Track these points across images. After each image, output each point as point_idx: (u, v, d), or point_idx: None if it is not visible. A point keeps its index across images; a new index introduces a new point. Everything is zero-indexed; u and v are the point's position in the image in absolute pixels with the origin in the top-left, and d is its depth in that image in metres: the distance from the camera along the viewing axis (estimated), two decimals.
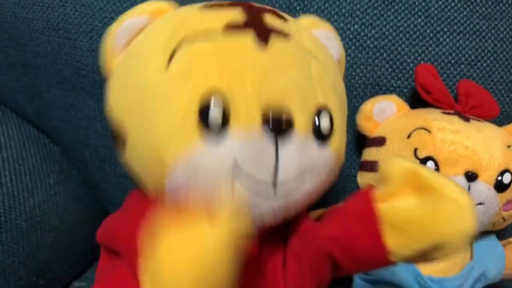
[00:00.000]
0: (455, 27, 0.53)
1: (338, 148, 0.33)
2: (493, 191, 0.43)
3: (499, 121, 0.51)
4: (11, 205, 0.52)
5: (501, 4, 0.53)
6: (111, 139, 0.36)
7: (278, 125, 0.30)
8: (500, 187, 0.43)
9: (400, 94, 0.52)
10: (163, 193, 0.31)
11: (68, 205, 0.58)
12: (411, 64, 0.52)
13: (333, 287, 0.48)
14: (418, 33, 0.53)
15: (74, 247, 0.58)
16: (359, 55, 0.52)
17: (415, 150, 0.44)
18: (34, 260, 0.52)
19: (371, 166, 0.47)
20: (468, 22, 0.53)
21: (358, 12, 0.53)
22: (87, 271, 0.61)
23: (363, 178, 0.48)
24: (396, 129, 0.46)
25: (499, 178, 0.43)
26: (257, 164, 0.29)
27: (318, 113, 0.32)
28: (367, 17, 0.53)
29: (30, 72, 0.58)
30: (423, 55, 0.53)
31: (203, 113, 0.29)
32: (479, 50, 0.53)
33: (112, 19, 0.54)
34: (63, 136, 0.61)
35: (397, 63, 0.52)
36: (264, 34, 0.31)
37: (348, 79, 0.53)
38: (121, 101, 0.33)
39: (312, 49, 0.34)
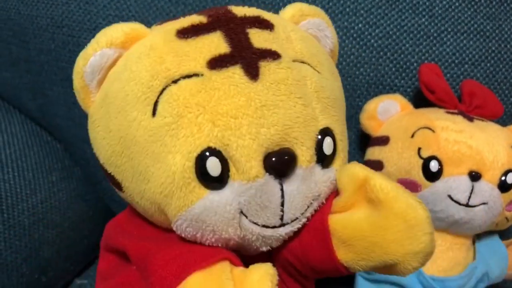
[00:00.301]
0: (459, 27, 0.53)
1: (343, 163, 0.32)
2: (496, 191, 0.43)
3: (503, 121, 0.51)
4: (14, 202, 0.52)
5: (505, 4, 0.53)
6: (105, 175, 0.33)
7: (281, 170, 0.28)
8: (503, 187, 0.43)
9: (404, 94, 0.52)
10: (172, 228, 0.31)
11: (70, 203, 0.58)
12: (415, 64, 0.52)
13: (335, 286, 0.48)
14: (422, 32, 0.53)
15: (76, 244, 0.58)
16: (363, 54, 0.52)
17: (419, 149, 0.44)
18: (37, 257, 0.52)
19: (375, 166, 0.47)
20: (472, 22, 0.53)
21: (362, 11, 0.53)
22: (89, 269, 0.61)
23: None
24: (400, 128, 0.46)
25: (503, 178, 0.43)
26: (263, 206, 0.29)
27: (320, 137, 0.30)
28: (371, 16, 0.53)
29: (34, 69, 0.58)
30: (427, 54, 0.52)
31: (201, 166, 0.28)
32: (483, 50, 0.53)
33: (116, 17, 0.54)
34: (65, 134, 0.61)
35: (401, 63, 0.52)
36: (253, 66, 0.29)
37: (352, 78, 0.53)
38: (107, 153, 0.31)
39: (305, 55, 0.32)
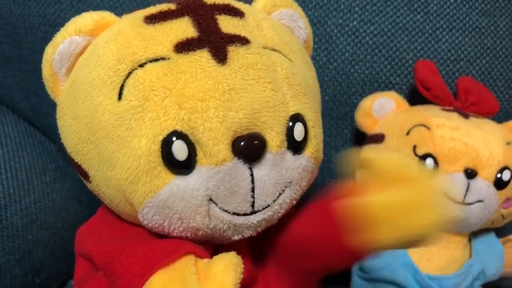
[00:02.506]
0: (454, 23, 0.52)
1: (315, 150, 0.31)
2: (492, 188, 0.43)
3: (498, 118, 0.51)
4: (6, 203, 0.51)
5: (500, 1, 0.53)
6: (73, 166, 0.33)
7: (250, 154, 0.28)
8: (499, 184, 0.43)
9: (399, 91, 0.52)
10: (138, 220, 0.30)
11: (64, 203, 0.58)
12: (410, 61, 0.52)
13: (332, 286, 0.48)
14: (417, 29, 0.52)
15: (71, 245, 0.56)
16: (358, 52, 0.52)
17: (414, 147, 0.43)
18: (30, 258, 0.52)
19: None
20: (467, 19, 0.53)
21: (357, 8, 0.52)
22: None
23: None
24: (395, 126, 0.46)
25: (499, 175, 0.43)
26: (232, 191, 0.28)
27: (291, 124, 0.30)
28: (366, 13, 0.52)
29: (26, 69, 0.58)
30: (422, 51, 0.52)
31: (167, 150, 0.27)
32: (479, 47, 0.53)
33: None
34: (59, 134, 0.60)
35: (396, 60, 0.52)
36: (220, 50, 0.28)
37: (347, 76, 0.52)
38: (74, 140, 0.31)
39: (276, 43, 0.31)
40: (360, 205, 0.29)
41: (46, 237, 0.54)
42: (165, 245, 0.29)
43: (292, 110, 0.30)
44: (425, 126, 0.44)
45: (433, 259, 0.45)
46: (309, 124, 0.31)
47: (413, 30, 0.52)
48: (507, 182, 0.43)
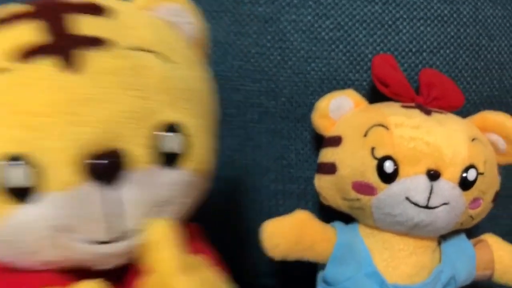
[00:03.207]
0: (414, 13, 0.49)
1: (197, 162, 0.29)
2: (458, 190, 0.40)
3: (467, 110, 0.49)
4: None
5: None
6: None
7: (105, 174, 0.25)
8: (465, 184, 0.40)
9: (359, 88, 0.49)
10: None
11: None
12: (370, 55, 0.49)
13: None
14: (375, 21, 0.49)
15: None
16: (314, 48, 0.49)
17: (372, 149, 0.40)
18: None
19: (328, 169, 0.43)
20: (428, 7, 0.50)
21: (311, 2, 0.49)
22: None
23: (320, 181, 0.45)
24: (352, 127, 0.43)
25: (464, 175, 0.40)
26: (87, 219, 0.25)
27: (162, 134, 0.27)
28: (321, 7, 0.49)
29: None
30: (382, 44, 0.49)
31: (6, 177, 0.24)
32: (442, 36, 0.50)
33: None
34: None
35: (355, 55, 0.49)
36: (72, 56, 0.25)
37: (303, 74, 0.49)
38: None
39: (151, 43, 0.28)
40: None
41: None
42: (19, 281, 0.26)
43: (164, 118, 0.27)
44: (383, 126, 0.41)
45: (399, 266, 0.42)
46: (188, 132, 0.28)
47: (371, 22, 0.49)
48: (473, 182, 0.40)
